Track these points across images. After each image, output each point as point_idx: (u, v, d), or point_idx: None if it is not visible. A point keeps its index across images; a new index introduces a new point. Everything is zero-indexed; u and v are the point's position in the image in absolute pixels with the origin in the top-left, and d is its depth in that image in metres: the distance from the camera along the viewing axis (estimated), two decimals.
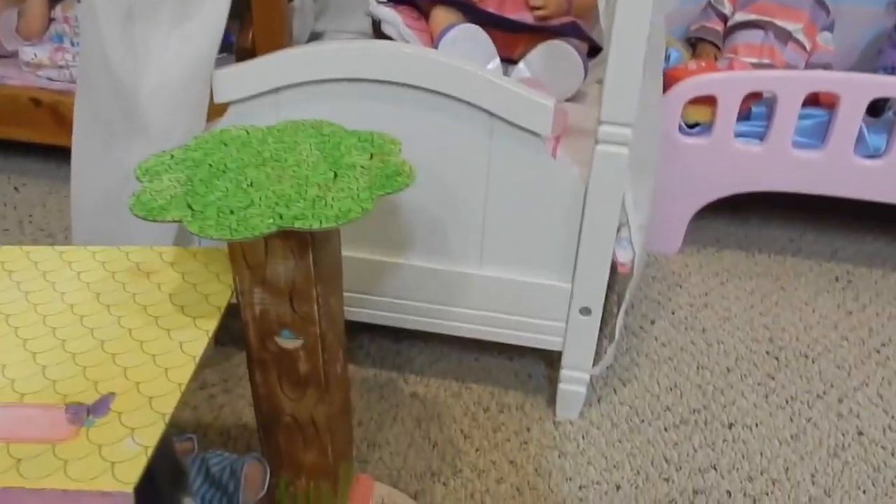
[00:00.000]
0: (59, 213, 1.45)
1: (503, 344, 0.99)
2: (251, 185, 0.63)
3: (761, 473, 0.93)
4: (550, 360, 1.11)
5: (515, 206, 0.90)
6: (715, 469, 0.93)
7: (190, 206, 0.60)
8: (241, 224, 0.57)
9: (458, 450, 0.94)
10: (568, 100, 1.27)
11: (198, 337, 0.62)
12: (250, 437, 0.95)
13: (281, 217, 0.58)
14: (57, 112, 1.47)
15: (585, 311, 0.92)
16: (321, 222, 0.58)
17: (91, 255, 0.73)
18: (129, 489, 0.48)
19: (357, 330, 1.12)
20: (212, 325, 0.63)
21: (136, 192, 0.61)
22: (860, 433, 1.00)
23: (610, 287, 0.92)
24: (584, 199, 0.86)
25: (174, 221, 0.59)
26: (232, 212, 0.59)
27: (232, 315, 0.69)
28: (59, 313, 0.65)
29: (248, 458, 0.72)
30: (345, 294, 0.74)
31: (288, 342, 0.68)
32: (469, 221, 0.92)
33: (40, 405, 0.55)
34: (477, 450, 0.95)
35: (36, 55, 1.52)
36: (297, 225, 0.57)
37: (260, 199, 0.61)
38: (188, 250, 0.74)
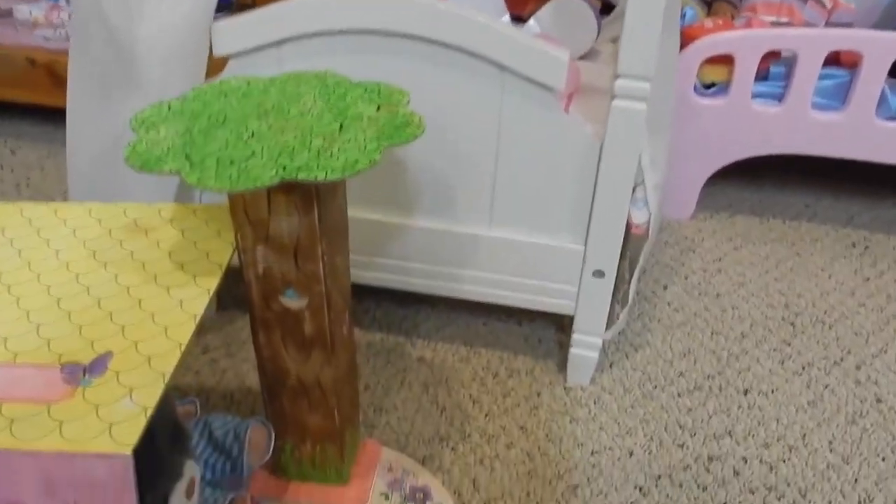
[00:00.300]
0: (56, 176, 1.43)
1: (512, 308, 0.97)
2: (252, 136, 0.60)
3: (778, 440, 0.90)
4: (561, 324, 1.08)
5: (527, 165, 0.86)
6: (730, 435, 0.91)
7: (188, 157, 0.57)
8: (242, 175, 0.55)
9: (467, 415, 0.92)
10: (580, 58, 1.23)
11: (198, 295, 0.59)
12: (254, 401, 0.93)
13: (284, 168, 0.55)
14: (53, 72, 1.43)
15: (599, 273, 0.89)
16: (327, 174, 0.55)
17: (87, 212, 0.70)
18: (128, 451, 0.46)
19: (362, 294, 1.10)
20: (213, 282, 0.61)
21: (131, 143, 0.58)
22: (878, 400, 0.97)
23: (622, 250, 0.89)
24: (599, 156, 0.83)
25: (171, 173, 0.56)
26: (232, 162, 0.56)
27: (234, 278, 0.66)
28: (54, 271, 0.62)
29: (253, 422, 0.70)
30: (350, 257, 0.71)
31: (292, 302, 0.65)
32: (479, 181, 0.88)
33: (34, 364, 0.53)
34: (486, 415, 0.93)
35: (31, 13, 1.48)
36: (302, 176, 0.54)
37: (262, 150, 0.58)
38: (188, 206, 0.71)
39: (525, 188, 0.88)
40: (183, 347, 0.53)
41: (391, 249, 0.94)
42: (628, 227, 0.88)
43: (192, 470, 0.59)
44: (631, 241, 0.90)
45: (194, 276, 0.61)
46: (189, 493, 0.58)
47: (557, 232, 0.89)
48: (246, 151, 0.57)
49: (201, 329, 1.02)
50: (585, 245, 0.88)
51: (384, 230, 0.93)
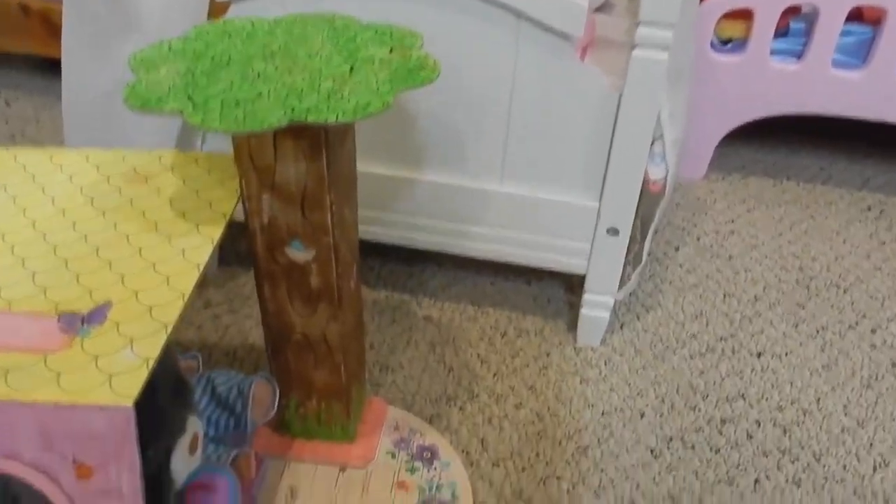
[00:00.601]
0: (52, 128, 1.39)
1: (520, 267, 0.94)
2: (259, 77, 0.57)
3: (791, 403, 0.89)
4: (570, 284, 1.06)
5: (541, 118, 0.83)
6: (743, 398, 0.89)
7: (191, 98, 0.54)
8: (248, 116, 0.52)
9: (475, 374, 0.91)
10: (594, 10, 1.18)
11: (202, 244, 0.57)
12: (258, 357, 0.91)
13: (293, 110, 0.52)
14: (48, 20, 1.38)
15: (613, 231, 0.87)
16: (337, 116, 0.52)
17: (84, 158, 0.67)
18: (129, 403, 0.44)
19: (367, 251, 1.07)
20: (216, 231, 0.58)
21: (130, 83, 0.55)
22: (894, 364, 0.96)
23: (636, 208, 0.86)
24: (617, 108, 0.80)
25: (173, 114, 0.53)
26: (238, 104, 0.53)
27: (237, 232, 0.63)
28: (50, 217, 0.60)
29: (257, 378, 0.68)
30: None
31: (299, 254, 0.63)
32: (491, 134, 0.85)
33: (30, 313, 0.50)
34: (494, 375, 0.91)
35: None
36: (311, 118, 0.52)
37: (269, 91, 0.55)
38: (189, 154, 0.68)
39: (538, 141, 0.84)
40: (186, 298, 0.51)
41: (398, 204, 0.92)
42: (644, 183, 0.85)
43: (195, 425, 0.57)
44: (646, 198, 0.87)
45: (197, 224, 0.59)
46: (192, 449, 0.57)
47: (571, 188, 0.86)
48: (252, 92, 0.54)
49: (203, 282, 0.99)
50: (600, 202, 0.86)
51: (390, 184, 0.90)
